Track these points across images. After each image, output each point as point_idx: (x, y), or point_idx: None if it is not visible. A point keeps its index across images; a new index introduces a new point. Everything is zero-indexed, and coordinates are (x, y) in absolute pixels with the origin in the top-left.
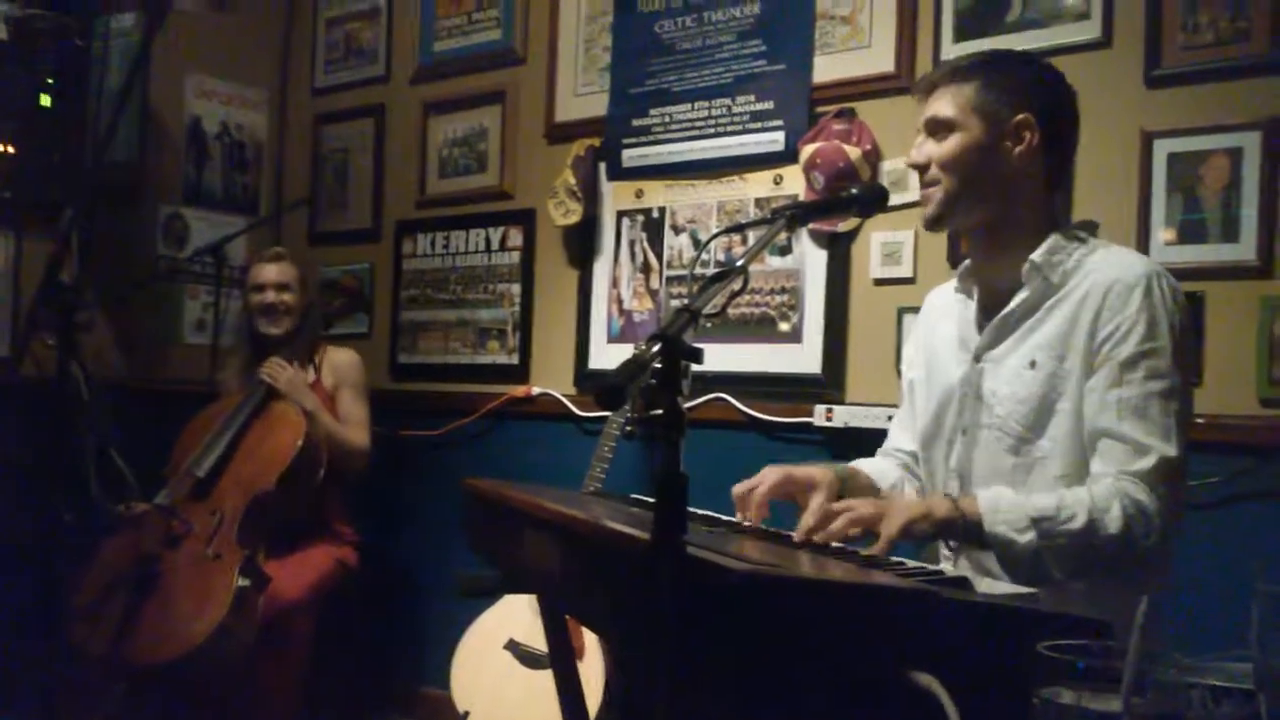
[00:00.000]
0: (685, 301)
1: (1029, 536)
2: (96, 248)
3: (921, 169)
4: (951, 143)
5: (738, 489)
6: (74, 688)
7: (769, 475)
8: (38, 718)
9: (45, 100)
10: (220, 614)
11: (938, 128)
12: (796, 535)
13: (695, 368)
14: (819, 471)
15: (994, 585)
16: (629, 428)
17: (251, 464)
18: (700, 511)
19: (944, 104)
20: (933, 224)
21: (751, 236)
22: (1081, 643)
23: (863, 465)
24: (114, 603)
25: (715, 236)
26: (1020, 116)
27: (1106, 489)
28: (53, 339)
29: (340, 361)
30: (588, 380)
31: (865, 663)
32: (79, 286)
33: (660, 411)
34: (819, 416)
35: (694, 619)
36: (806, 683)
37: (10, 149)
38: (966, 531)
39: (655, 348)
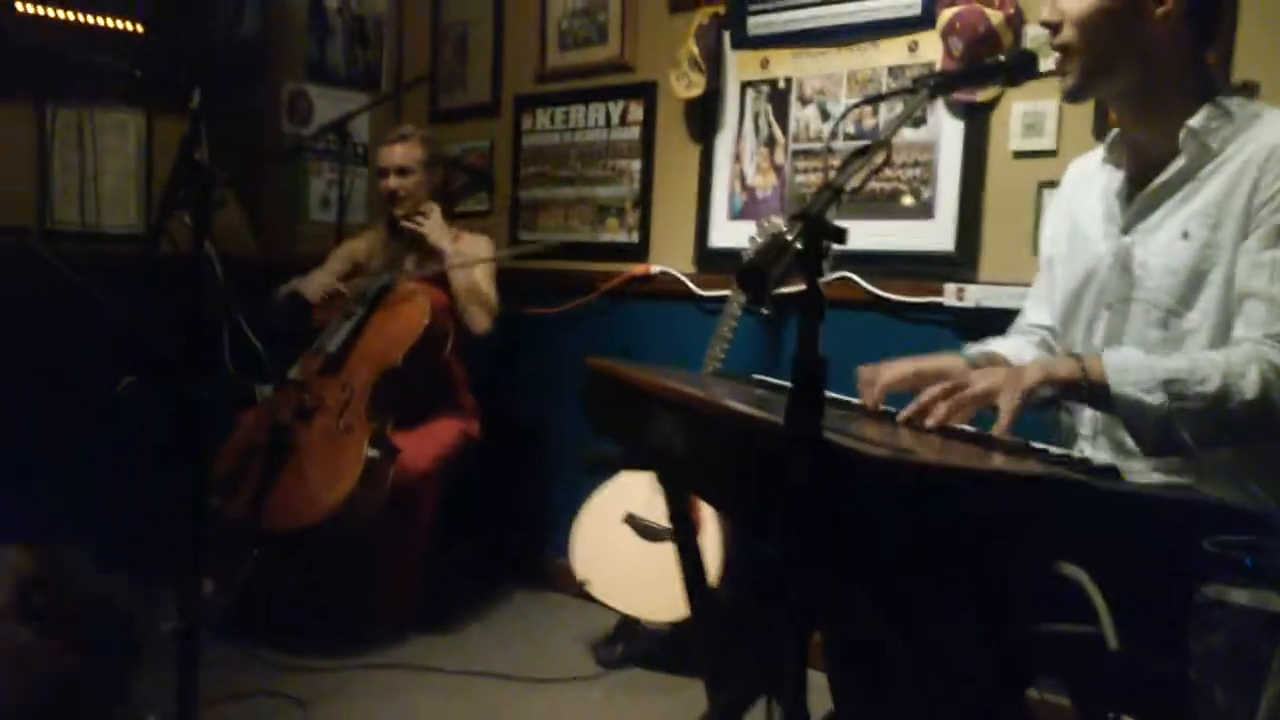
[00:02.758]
0: (812, 177)
1: (1158, 398)
2: (223, 126)
3: (1053, 27)
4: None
5: (864, 372)
6: (214, 552)
7: (896, 366)
8: (182, 579)
9: None
10: (351, 484)
11: None
12: (903, 412)
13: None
14: (949, 361)
15: (1146, 475)
16: (765, 310)
17: (380, 341)
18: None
19: None
20: (1072, 96)
21: (884, 108)
22: (1249, 539)
23: (998, 346)
24: (250, 473)
25: (853, 108)
26: None
27: (1245, 352)
28: (189, 217)
29: (471, 249)
30: (708, 259)
31: (1010, 554)
32: (212, 165)
33: (800, 292)
34: (950, 296)
35: (831, 505)
36: (946, 573)
37: (139, 28)
38: (1092, 394)
39: (798, 227)
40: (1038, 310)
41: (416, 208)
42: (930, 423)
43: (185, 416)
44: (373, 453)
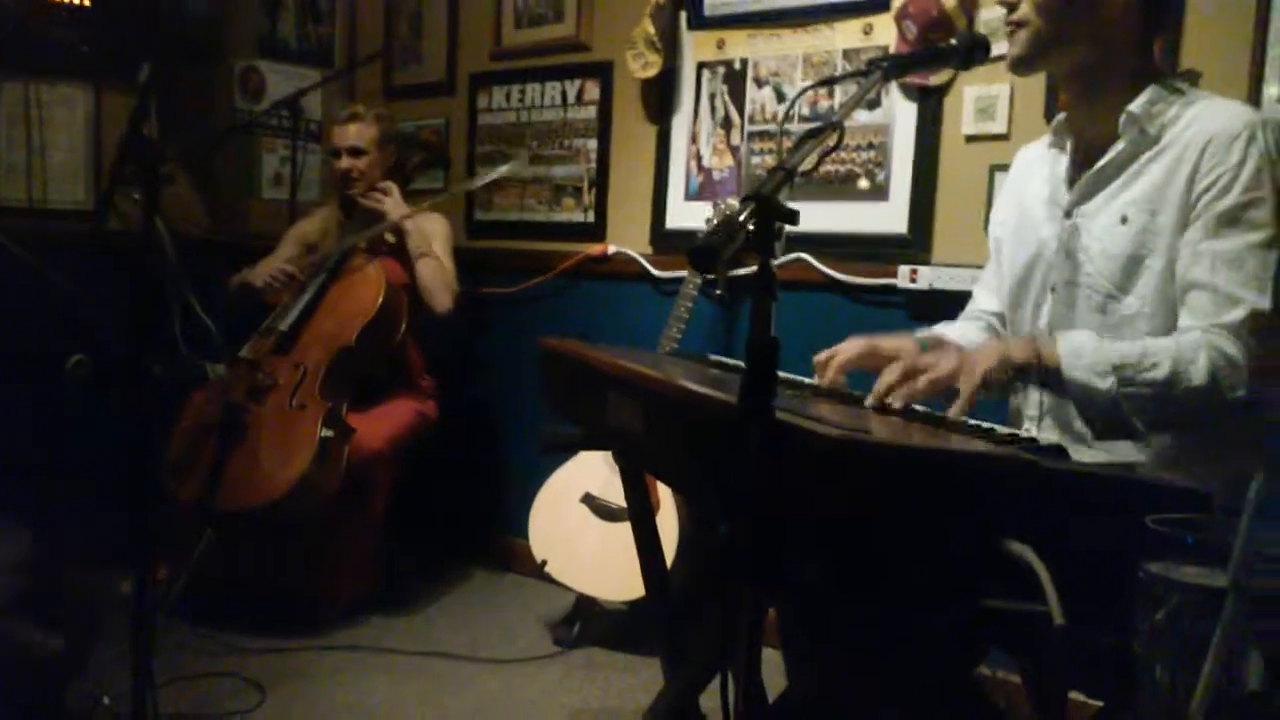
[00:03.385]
0: (767, 158)
1: (1109, 382)
2: (174, 102)
3: (1010, 6)
4: None
5: (820, 356)
6: (167, 534)
7: (851, 344)
8: (134, 562)
9: None
10: (305, 464)
11: None
12: (870, 398)
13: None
14: (901, 341)
15: (1091, 455)
16: (719, 290)
17: (334, 319)
18: (779, 374)
19: None
20: (1018, 65)
21: (839, 90)
22: (1189, 516)
23: (947, 330)
24: (203, 453)
25: (806, 90)
26: None
27: (1194, 340)
28: (137, 193)
29: (429, 226)
30: (665, 239)
31: (958, 532)
32: (161, 141)
33: (752, 273)
34: (903, 278)
35: (784, 484)
36: (896, 550)
37: (87, 1)
38: (1044, 376)
39: (749, 208)
40: (986, 296)
41: (371, 187)
42: (894, 404)
43: (135, 396)
44: (327, 432)
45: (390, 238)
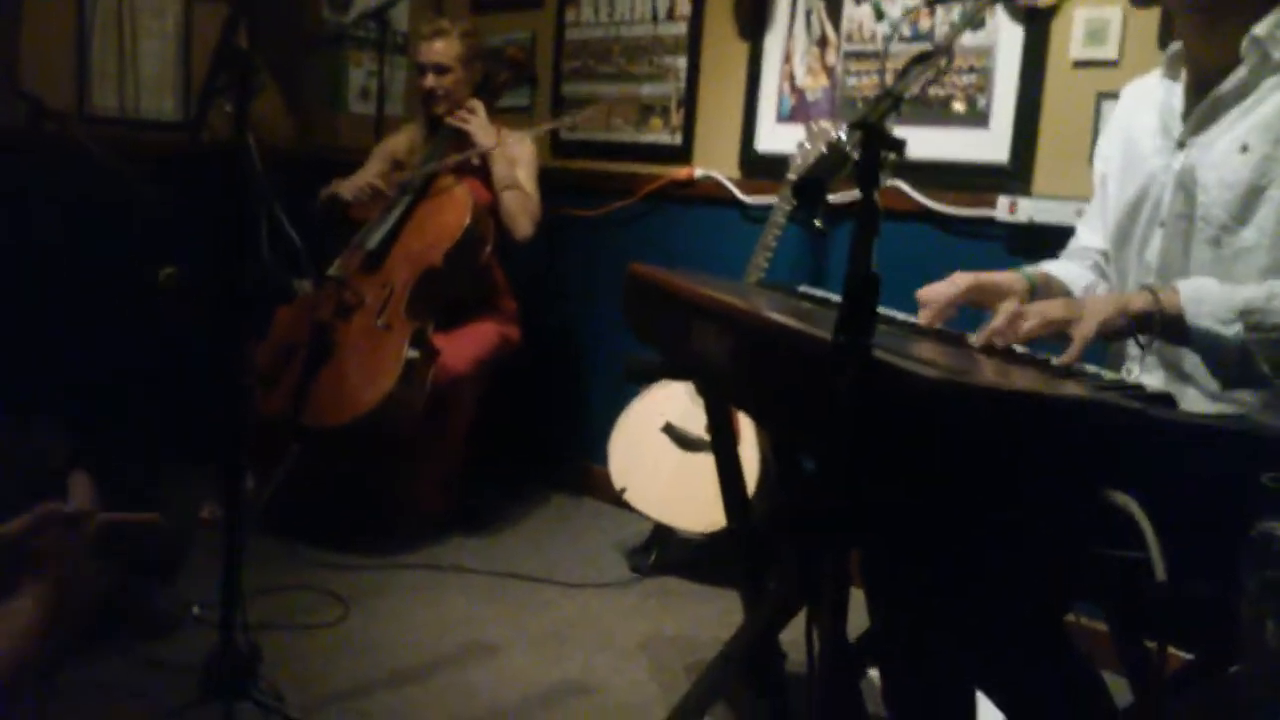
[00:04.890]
0: (865, 80)
1: (1235, 329)
2: (263, 11)
3: None
4: None
5: (923, 292)
6: (254, 447)
7: (958, 279)
8: (223, 477)
9: None
10: (390, 383)
11: None
12: (979, 338)
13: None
14: (1011, 277)
15: (1199, 401)
16: (818, 223)
17: (420, 239)
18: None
19: None
20: None
21: (941, 8)
22: None
23: (1053, 269)
24: (290, 369)
25: (912, 11)
26: None
27: None
28: (229, 105)
29: (515, 150)
30: (754, 164)
31: (1058, 480)
32: (252, 52)
33: (853, 202)
34: (1002, 209)
35: (876, 424)
36: (994, 496)
37: None
38: (1166, 326)
39: (856, 136)
40: (1090, 232)
41: (455, 106)
42: (1001, 343)
43: (226, 308)
44: (412, 353)
45: (476, 160)
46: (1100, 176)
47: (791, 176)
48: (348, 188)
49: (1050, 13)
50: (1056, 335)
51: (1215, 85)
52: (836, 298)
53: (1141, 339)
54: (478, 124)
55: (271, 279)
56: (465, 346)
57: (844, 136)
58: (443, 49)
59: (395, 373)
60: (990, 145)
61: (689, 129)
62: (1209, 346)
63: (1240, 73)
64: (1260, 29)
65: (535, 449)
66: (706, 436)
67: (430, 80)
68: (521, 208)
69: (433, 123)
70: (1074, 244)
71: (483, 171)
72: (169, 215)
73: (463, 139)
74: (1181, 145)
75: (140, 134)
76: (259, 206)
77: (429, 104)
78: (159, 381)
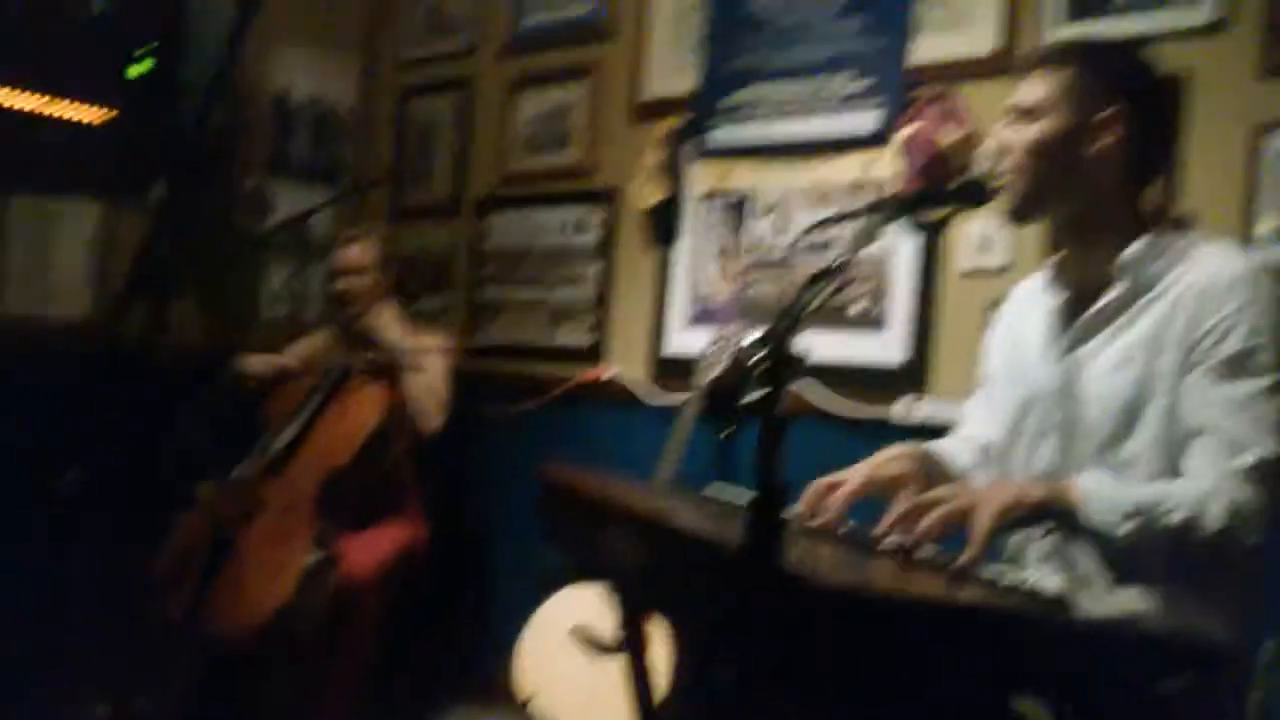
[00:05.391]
0: (768, 287)
1: (1128, 527)
2: (182, 218)
3: (1000, 158)
4: (1033, 131)
5: (819, 486)
6: (150, 658)
7: (851, 475)
8: (115, 690)
9: (139, 70)
10: (291, 589)
11: (1022, 114)
12: (878, 530)
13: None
14: (904, 467)
15: (1097, 603)
16: (727, 431)
17: (328, 440)
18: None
19: (1031, 90)
20: (1012, 217)
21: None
22: (1203, 676)
23: (940, 447)
24: (189, 576)
25: (814, 228)
26: (1109, 110)
27: (1208, 486)
28: (145, 314)
29: (425, 344)
30: (664, 365)
31: (965, 686)
32: (172, 262)
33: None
34: (900, 411)
35: (787, 634)
36: (901, 703)
37: (105, 118)
38: (1063, 518)
39: (763, 354)
40: (975, 424)
41: (368, 309)
42: (911, 539)
43: (127, 512)
44: (315, 556)
45: (386, 361)
46: (987, 373)
47: (700, 378)
48: (253, 362)
49: (942, 225)
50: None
51: (1094, 299)
52: (745, 500)
53: (1040, 529)
54: (389, 327)
55: (175, 482)
56: (371, 550)
57: (749, 350)
58: (358, 253)
59: (296, 578)
60: (887, 348)
61: (601, 332)
62: (1104, 542)
63: (1116, 291)
64: (1130, 253)
65: (443, 656)
66: (617, 641)
67: (345, 282)
68: (431, 400)
69: (345, 326)
70: (959, 432)
71: (393, 372)
72: (77, 417)
73: (374, 342)
74: (1065, 356)
75: (51, 335)
76: (169, 410)
77: (343, 306)
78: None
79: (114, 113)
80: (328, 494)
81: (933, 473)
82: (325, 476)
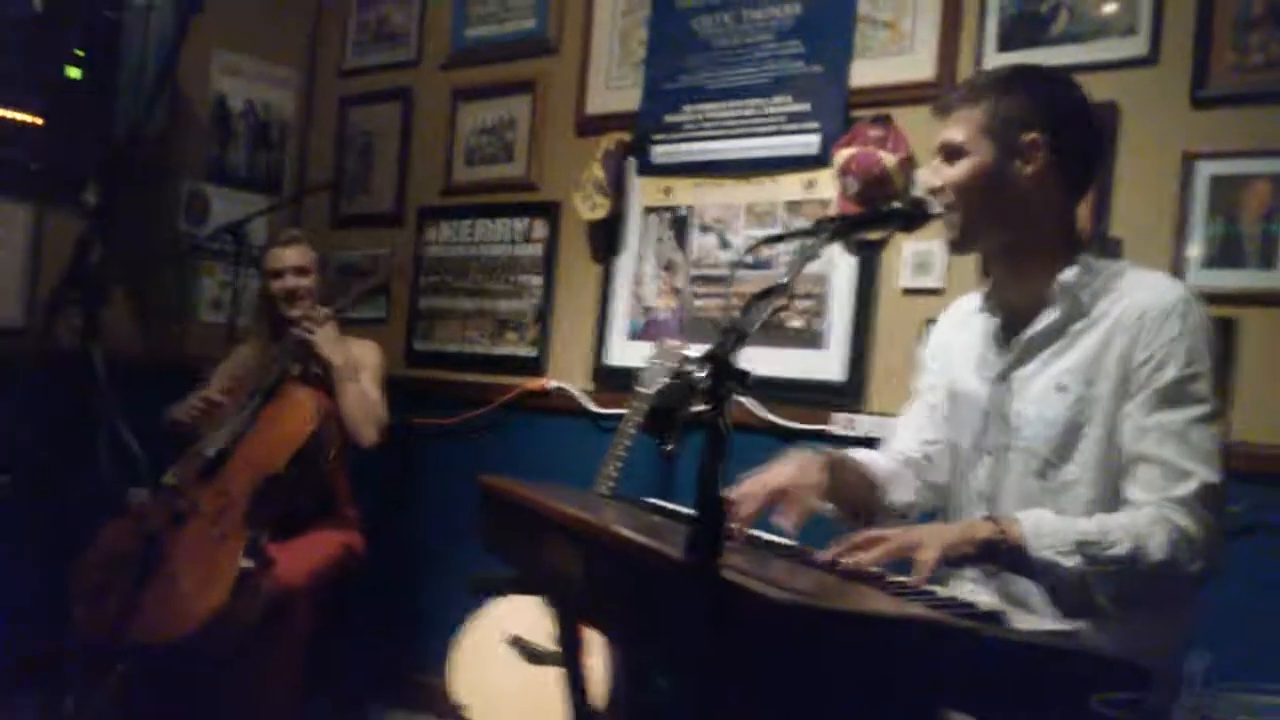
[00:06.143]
0: (710, 301)
1: (1074, 561)
2: (118, 223)
3: (937, 191)
4: (962, 167)
5: (745, 488)
6: (76, 668)
7: (751, 489)
8: (42, 699)
9: (74, 73)
10: (223, 595)
11: (950, 152)
12: (824, 558)
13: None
14: (811, 478)
15: (1029, 620)
16: (668, 447)
17: (263, 446)
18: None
19: (955, 128)
20: (954, 249)
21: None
22: (1136, 696)
23: (858, 454)
24: (117, 582)
25: (756, 245)
26: (1029, 136)
27: (1149, 515)
28: (77, 316)
29: (360, 355)
30: (605, 377)
31: (897, 697)
32: (106, 267)
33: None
34: (839, 425)
35: (727, 643)
36: (836, 713)
37: (38, 121)
38: (1010, 555)
39: (704, 370)
40: (907, 435)
41: (308, 310)
42: (853, 565)
43: (53, 520)
44: (248, 563)
45: (319, 368)
46: (922, 386)
47: (641, 390)
48: (180, 409)
49: (880, 244)
50: (901, 559)
51: (1028, 323)
52: (685, 510)
53: (988, 568)
54: (323, 333)
55: (105, 488)
56: (303, 556)
57: (691, 365)
58: (300, 253)
59: (228, 585)
60: (827, 365)
61: (543, 343)
62: (1050, 577)
63: (1051, 315)
64: (1066, 278)
65: (379, 664)
66: (554, 650)
67: (291, 281)
68: (365, 413)
69: (276, 331)
70: (891, 445)
71: (327, 378)
72: (4, 422)
73: (307, 347)
74: (1002, 379)
75: None
76: (99, 415)
77: (288, 305)
78: None
79: (47, 115)
80: (261, 500)
81: (838, 477)
82: (259, 483)
